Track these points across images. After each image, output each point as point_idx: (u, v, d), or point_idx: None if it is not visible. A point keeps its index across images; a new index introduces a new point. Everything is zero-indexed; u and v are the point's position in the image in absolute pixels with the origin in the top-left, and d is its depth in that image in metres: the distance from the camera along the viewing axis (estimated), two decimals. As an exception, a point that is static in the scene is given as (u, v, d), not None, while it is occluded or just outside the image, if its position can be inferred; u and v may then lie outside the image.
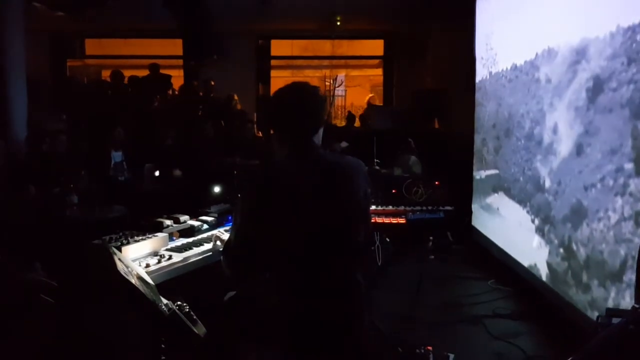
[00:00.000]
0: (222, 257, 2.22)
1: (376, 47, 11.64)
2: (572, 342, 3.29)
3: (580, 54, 3.56)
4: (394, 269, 4.70)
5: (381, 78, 11.96)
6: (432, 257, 5.31)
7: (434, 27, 8.84)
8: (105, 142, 5.88)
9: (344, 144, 7.13)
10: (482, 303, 4.44)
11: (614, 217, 3.12)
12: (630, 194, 2.96)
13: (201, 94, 9.03)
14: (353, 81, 14.69)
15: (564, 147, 3.77)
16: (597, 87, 3.33)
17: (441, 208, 3.56)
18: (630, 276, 2.93)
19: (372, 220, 3.39)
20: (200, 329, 2.17)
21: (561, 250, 3.79)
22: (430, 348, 3.39)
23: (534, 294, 4.25)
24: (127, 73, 9.15)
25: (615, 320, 1.99)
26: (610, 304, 3.13)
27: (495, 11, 5.54)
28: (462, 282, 5.02)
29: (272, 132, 2.33)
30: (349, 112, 10.48)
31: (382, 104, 11.09)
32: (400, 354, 3.40)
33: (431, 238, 4.84)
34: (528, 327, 4.00)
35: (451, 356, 3.42)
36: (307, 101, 2.23)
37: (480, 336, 3.86)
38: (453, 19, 7.26)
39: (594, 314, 3.31)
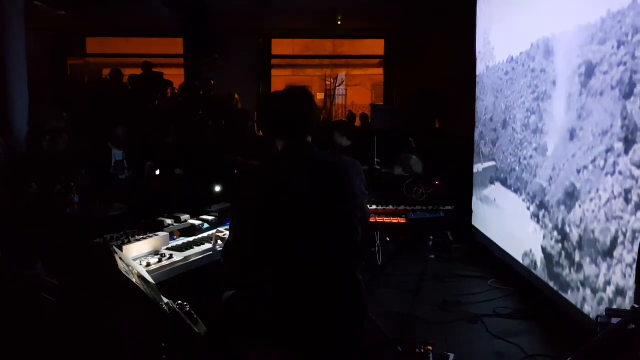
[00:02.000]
0: (221, 258, 2.24)
1: (377, 46, 11.64)
2: (572, 342, 3.30)
3: (573, 42, 3.65)
4: (394, 269, 4.71)
5: (382, 77, 11.95)
6: (433, 256, 5.32)
7: (434, 26, 8.83)
8: (107, 140, 5.87)
9: (346, 142, 7.13)
10: (482, 302, 4.45)
11: (604, 196, 3.21)
12: (620, 173, 3.04)
13: (202, 93, 9.03)
14: (354, 80, 14.69)
15: (558, 133, 3.85)
16: (589, 71, 3.42)
17: (441, 208, 3.55)
18: (621, 252, 3.02)
19: (373, 220, 3.39)
20: (201, 328, 2.17)
21: (555, 233, 3.87)
22: (430, 347, 3.39)
23: (534, 293, 4.26)
24: (128, 72, 9.15)
25: (615, 320, 2.00)
26: (602, 280, 3.22)
27: (495, 7, 5.62)
28: (462, 281, 5.03)
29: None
30: (350, 111, 10.48)
31: (382, 104, 11.09)
32: (401, 353, 3.40)
33: (431, 238, 4.84)
34: (528, 326, 4.01)
35: (451, 355, 3.42)
36: (298, 103, 2.25)
37: (480, 335, 3.87)
38: (454, 19, 7.26)
39: (586, 293, 3.40)
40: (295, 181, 2.13)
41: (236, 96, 8.77)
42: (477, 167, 5.98)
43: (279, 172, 2.18)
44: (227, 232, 2.73)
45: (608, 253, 3.16)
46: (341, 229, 2.15)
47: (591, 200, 3.36)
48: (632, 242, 2.91)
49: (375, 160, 5.76)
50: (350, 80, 13.98)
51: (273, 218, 2.08)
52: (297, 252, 2.09)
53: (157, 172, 5.43)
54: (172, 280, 2.57)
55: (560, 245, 3.79)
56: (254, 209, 2.10)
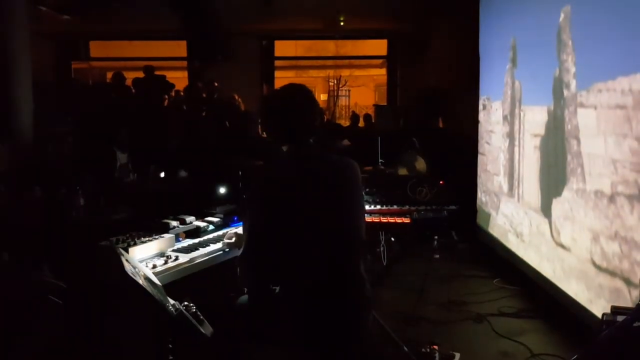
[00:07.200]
0: (239, 267, 2.23)
1: (380, 46, 11.64)
2: (577, 340, 3.30)
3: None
4: (399, 268, 4.71)
5: (385, 78, 11.95)
6: (437, 256, 5.32)
7: (437, 26, 8.83)
8: (111, 143, 5.89)
9: (345, 142, 7.15)
10: (487, 302, 4.45)
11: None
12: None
13: (205, 95, 9.03)
14: (357, 81, 14.70)
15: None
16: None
17: (446, 207, 3.55)
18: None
19: (377, 220, 3.42)
20: (207, 329, 2.18)
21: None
22: (435, 347, 3.40)
23: (539, 292, 4.25)
24: (132, 75, 9.17)
25: (620, 318, 2.00)
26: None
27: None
28: (467, 280, 5.03)
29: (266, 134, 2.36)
30: (353, 112, 10.48)
31: (386, 104, 11.10)
32: (406, 352, 3.41)
33: (436, 237, 4.84)
34: (533, 325, 4.00)
35: (457, 355, 3.43)
36: (295, 106, 2.24)
37: (485, 335, 3.87)
38: (456, 18, 7.26)
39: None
40: (301, 184, 2.15)
41: (235, 96, 8.74)
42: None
43: (284, 176, 2.19)
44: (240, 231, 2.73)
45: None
46: (347, 228, 2.17)
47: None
48: None
49: (379, 160, 5.76)
50: (353, 80, 13.98)
51: (278, 218, 2.09)
52: (303, 250, 2.10)
53: (162, 175, 5.45)
54: (178, 281, 2.58)
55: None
56: (261, 214, 2.11)
